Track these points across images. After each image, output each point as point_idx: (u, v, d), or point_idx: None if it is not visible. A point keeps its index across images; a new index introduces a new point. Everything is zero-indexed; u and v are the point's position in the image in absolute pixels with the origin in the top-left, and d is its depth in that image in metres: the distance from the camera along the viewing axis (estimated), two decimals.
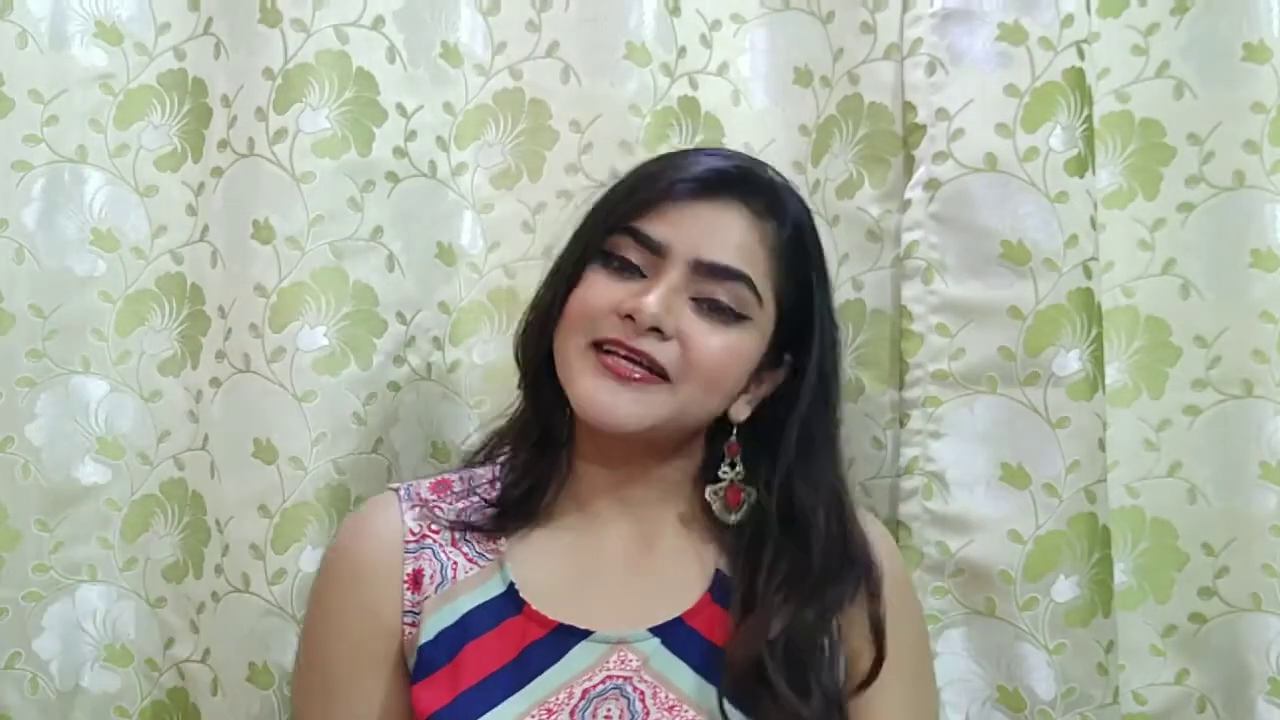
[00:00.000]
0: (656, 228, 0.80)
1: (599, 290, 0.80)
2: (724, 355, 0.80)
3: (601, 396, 0.79)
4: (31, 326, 1.11)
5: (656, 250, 0.79)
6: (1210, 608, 1.03)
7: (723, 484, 0.86)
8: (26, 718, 1.13)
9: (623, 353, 0.79)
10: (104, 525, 1.13)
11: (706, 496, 0.87)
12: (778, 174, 0.88)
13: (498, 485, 0.90)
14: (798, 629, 0.81)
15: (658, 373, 0.79)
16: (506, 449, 0.92)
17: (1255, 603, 1.01)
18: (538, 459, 0.88)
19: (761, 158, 1.07)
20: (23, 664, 1.12)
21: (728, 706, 0.79)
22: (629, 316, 0.78)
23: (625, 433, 0.81)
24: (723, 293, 0.80)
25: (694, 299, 0.80)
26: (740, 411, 0.85)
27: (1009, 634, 0.99)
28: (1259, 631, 1.01)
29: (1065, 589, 0.98)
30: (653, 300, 0.78)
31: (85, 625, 1.13)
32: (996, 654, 1.00)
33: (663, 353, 0.79)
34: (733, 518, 0.86)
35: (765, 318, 0.83)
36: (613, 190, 0.86)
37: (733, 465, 0.86)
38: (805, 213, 0.87)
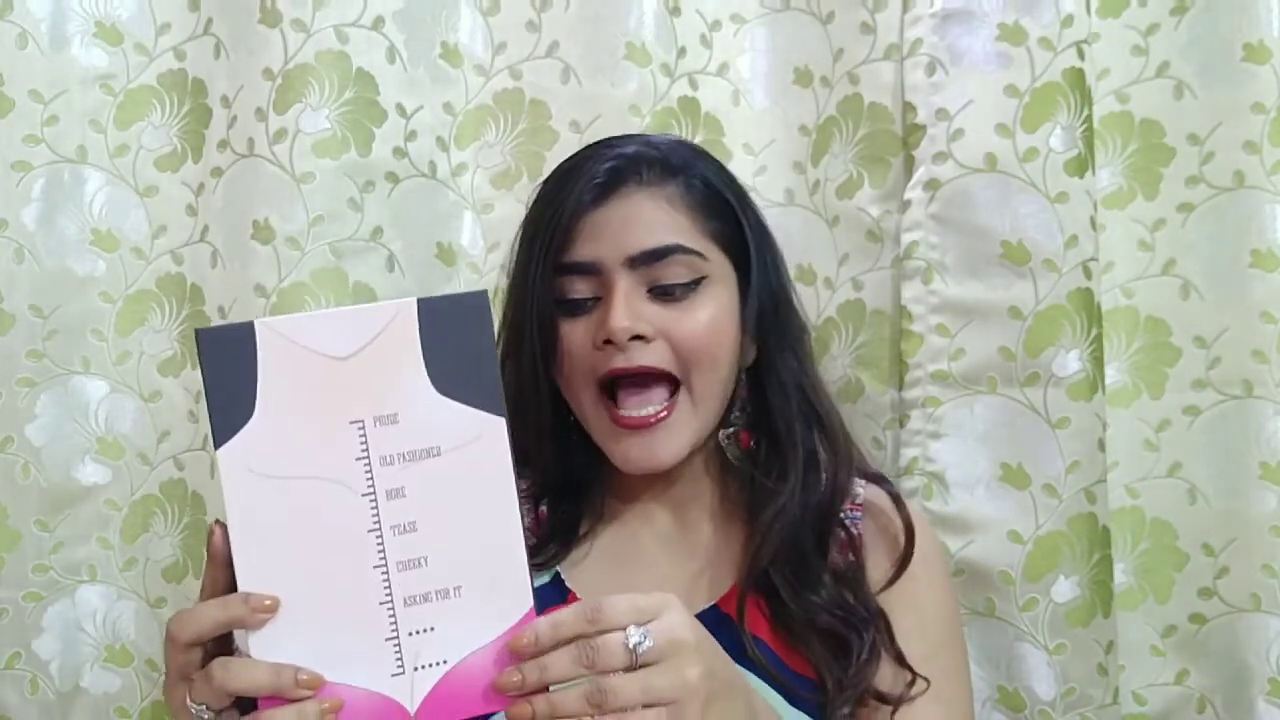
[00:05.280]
0: (580, 250, 0.79)
1: (574, 341, 0.80)
2: (706, 327, 0.80)
3: (635, 453, 0.80)
4: (31, 326, 1.11)
5: (591, 271, 0.79)
6: (1210, 608, 1.03)
7: (732, 429, 0.86)
8: (26, 718, 1.13)
9: (628, 379, 0.79)
10: (104, 525, 1.13)
11: (720, 441, 0.86)
12: (652, 137, 0.87)
13: (532, 515, 0.88)
14: (796, 541, 0.81)
15: (664, 377, 0.79)
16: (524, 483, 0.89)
17: (1255, 603, 1.01)
18: (573, 501, 0.88)
19: (761, 158, 1.08)
20: (23, 664, 1.12)
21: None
22: (607, 342, 0.78)
23: (671, 467, 0.82)
24: (669, 271, 0.79)
25: (650, 290, 0.80)
26: (749, 355, 0.85)
27: (1009, 634, 1.00)
28: (1259, 632, 1.01)
29: (1065, 589, 0.98)
30: (617, 315, 0.77)
31: (85, 626, 1.13)
32: (996, 654, 1.00)
33: (655, 355, 0.79)
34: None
35: (719, 266, 0.82)
36: (524, 227, 0.85)
37: (743, 409, 0.86)
38: (696, 152, 0.85)
